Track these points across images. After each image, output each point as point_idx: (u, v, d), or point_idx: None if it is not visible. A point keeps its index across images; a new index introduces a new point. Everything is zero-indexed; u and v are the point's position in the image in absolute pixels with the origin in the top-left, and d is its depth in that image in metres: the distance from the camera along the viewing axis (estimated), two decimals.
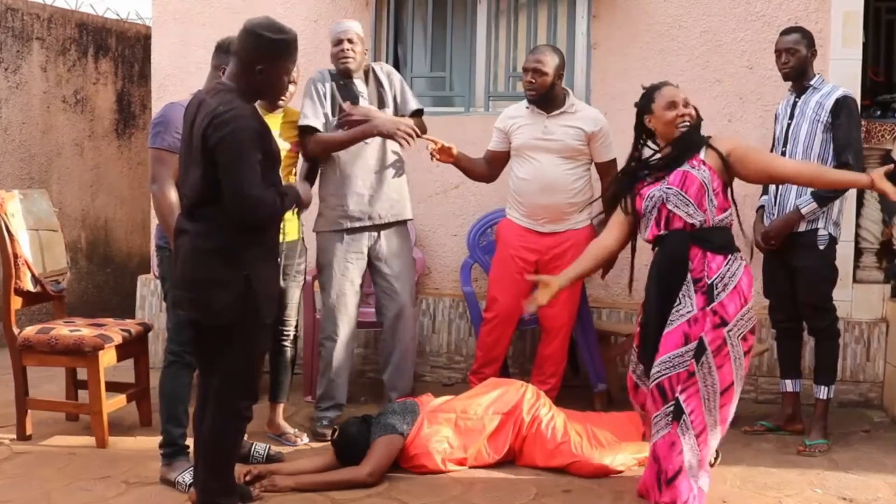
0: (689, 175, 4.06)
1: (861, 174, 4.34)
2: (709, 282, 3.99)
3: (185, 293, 3.76)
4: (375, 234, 5.21)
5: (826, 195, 4.93)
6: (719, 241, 4.07)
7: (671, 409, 3.99)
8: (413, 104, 5.25)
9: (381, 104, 5.20)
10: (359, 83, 5.19)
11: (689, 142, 4.14)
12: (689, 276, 4.03)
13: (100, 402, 4.91)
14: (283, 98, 4.82)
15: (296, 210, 4.99)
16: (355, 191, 5.14)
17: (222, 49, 4.36)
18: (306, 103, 5.09)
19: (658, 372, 4.02)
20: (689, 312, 4.00)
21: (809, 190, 4.96)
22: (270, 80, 3.69)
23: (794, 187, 5.02)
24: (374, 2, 6.52)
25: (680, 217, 4.06)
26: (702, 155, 4.09)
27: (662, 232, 4.11)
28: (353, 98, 5.13)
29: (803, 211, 4.98)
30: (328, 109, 5.11)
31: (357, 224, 5.16)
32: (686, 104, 4.17)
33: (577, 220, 5.28)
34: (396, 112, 5.21)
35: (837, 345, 5.21)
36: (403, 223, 5.31)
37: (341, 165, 5.14)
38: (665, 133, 4.19)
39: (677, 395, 3.97)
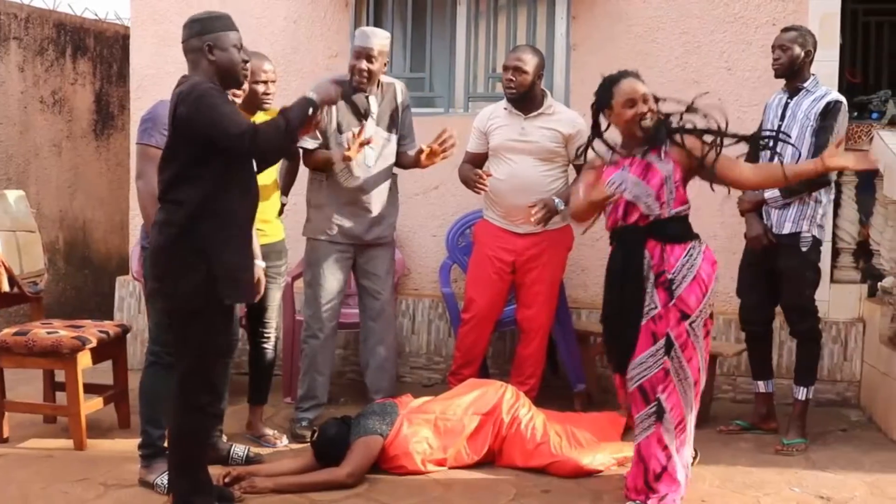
0: (651, 167, 4.03)
1: (811, 161, 4.29)
2: (669, 276, 3.97)
3: (154, 283, 3.83)
4: (364, 245, 5.25)
5: (793, 187, 4.93)
6: (676, 231, 4.05)
7: (654, 409, 4.02)
8: (410, 144, 5.28)
9: (390, 128, 5.20)
10: (371, 99, 5.14)
11: (653, 138, 4.07)
12: (651, 272, 4.01)
13: (78, 404, 4.89)
14: (266, 102, 4.82)
15: (278, 214, 5.02)
16: (345, 209, 5.15)
17: None
18: None
19: (637, 374, 4.04)
20: (653, 310, 4.00)
21: None
22: (224, 56, 3.77)
23: None
24: (353, 2, 6.52)
25: (638, 208, 4.03)
26: (666, 146, 4.04)
27: (619, 224, 4.10)
28: (361, 115, 5.13)
29: (766, 195, 5.03)
30: (334, 125, 5.10)
31: (343, 240, 5.18)
32: (646, 99, 4.08)
33: (554, 220, 5.26)
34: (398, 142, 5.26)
35: (819, 347, 5.24)
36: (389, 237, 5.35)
37: (332, 177, 5.14)
38: (626, 131, 4.15)
39: (658, 395, 4.00)
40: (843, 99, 5.12)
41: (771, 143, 4.66)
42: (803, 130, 5.03)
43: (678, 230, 4.06)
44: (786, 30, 5.18)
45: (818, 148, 4.94)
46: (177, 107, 3.68)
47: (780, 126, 5.10)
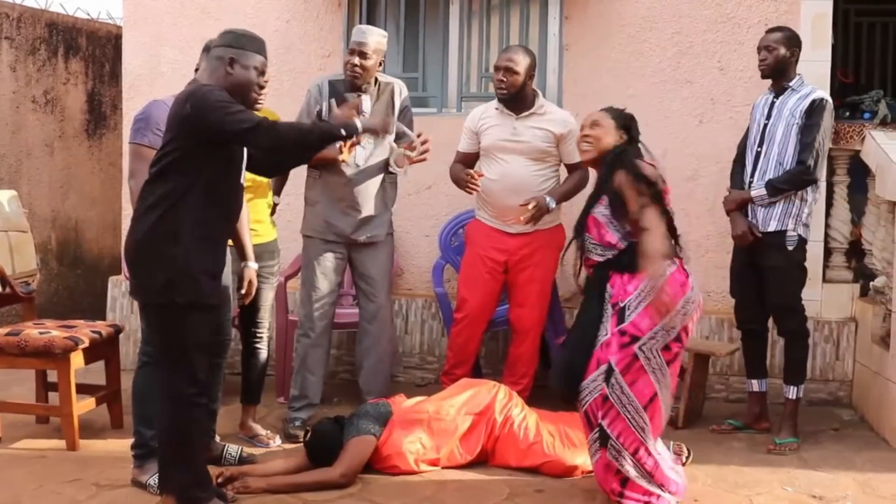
0: (596, 220, 4.10)
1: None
2: (622, 304, 3.98)
3: (131, 279, 3.86)
4: (358, 245, 5.24)
5: (779, 186, 5.02)
6: (632, 261, 3.99)
7: (597, 435, 4.04)
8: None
9: (385, 128, 5.19)
10: (365, 98, 5.13)
11: (605, 174, 4.12)
12: (608, 302, 4.04)
13: (70, 405, 4.87)
14: (258, 102, 4.82)
15: (270, 212, 5.02)
16: (335, 207, 5.15)
17: (206, 50, 4.45)
18: (298, 115, 5.19)
19: (582, 398, 4.08)
20: (603, 337, 4.02)
21: (767, 178, 5.06)
22: (242, 74, 3.82)
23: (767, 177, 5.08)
24: (346, 2, 6.52)
25: (590, 257, 4.15)
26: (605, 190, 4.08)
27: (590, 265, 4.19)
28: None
29: (752, 194, 5.08)
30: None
31: (336, 239, 5.18)
32: (593, 125, 4.15)
33: (545, 220, 5.26)
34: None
35: (807, 345, 5.26)
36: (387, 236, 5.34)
37: (325, 175, 5.13)
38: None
39: (600, 421, 4.01)
40: (827, 97, 5.16)
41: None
42: (789, 128, 5.07)
43: (636, 259, 3.98)
44: (771, 31, 5.22)
45: (804, 146, 4.99)
46: (183, 105, 3.71)
47: (766, 125, 5.14)
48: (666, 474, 4.06)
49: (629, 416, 3.96)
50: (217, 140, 3.71)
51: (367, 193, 5.18)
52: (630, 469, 3.99)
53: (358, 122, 3.90)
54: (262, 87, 3.93)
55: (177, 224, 3.70)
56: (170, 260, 3.69)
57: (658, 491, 4.02)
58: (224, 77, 3.81)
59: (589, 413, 4.06)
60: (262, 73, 3.91)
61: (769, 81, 5.24)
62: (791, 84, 5.15)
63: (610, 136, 4.17)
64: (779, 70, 5.13)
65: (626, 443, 3.98)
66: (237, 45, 3.84)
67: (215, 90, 3.72)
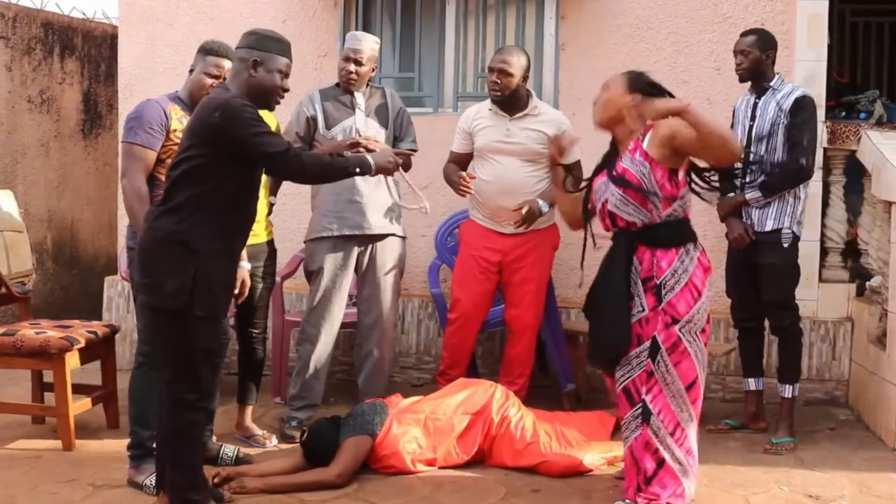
0: (627, 171, 3.96)
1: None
2: (658, 281, 3.92)
3: (142, 279, 3.80)
4: (367, 244, 5.21)
5: (774, 186, 5.04)
6: (668, 236, 3.97)
7: (639, 411, 3.97)
8: (409, 144, 5.28)
9: (383, 122, 5.22)
10: (358, 95, 5.18)
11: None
12: (638, 276, 3.97)
13: (66, 405, 4.86)
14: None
15: (266, 213, 5.01)
16: (349, 199, 5.12)
17: (201, 51, 4.43)
18: (287, 126, 5.18)
19: (621, 376, 4.02)
20: (639, 313, 3.96)
21: (759, 181, 5.09)
22: (266, 77, 3.81)
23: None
24: (342, 2, 6.51)
25: (621, 217, 4.01)
26: (645, 144, 3.96)
27: (612, 230, 4.09)
28: (349, 108, 5.17)
29: (747, 197, 5.11)
30: (321, 122, 5.15)
31: (347, 232, 5.15)
32: (603, 89, 4.14)
33: (540, 220, 5.24)
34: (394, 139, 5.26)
35: (800, 343, 5.26)
36: (397, 236, 5.31)
37: None
38: None
39: (643, 396, 3.96)
40: (811, 93, 5.19)
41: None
42: (775, 128, 5.10)
43: (671, 234, 3.97)
44: (745, 34, 5.24)
45: (794, 144, 5.01)
46: (211, 113, 3.67)
47: (751, 126, 5.16)
48: (691, 467, 4.02)
49: (671, 396, 3.93)
50: (242, 156, 3.70)
51: (373, 184, 5.13)
52: (669, 448, 3.93)
53: (371, 161, 3.97)
54: (285, 90, 3.90)
55: (196, 232, 3.67)
56: (186, 268, 3.65)
57: (685, 482, 3.96)
58: (247, 79, 3.79)
59: (630, 389, 3.99)
60: (286, 75, 3.88)
61: None
62: (771, 84, 5.17)
63: (619, 98, 4.09)
64: (756, 73, 5.16)
65: (664, 420, 3.93)
66: (261, 48, 3.81)
67: (247, 106, 3.69)
